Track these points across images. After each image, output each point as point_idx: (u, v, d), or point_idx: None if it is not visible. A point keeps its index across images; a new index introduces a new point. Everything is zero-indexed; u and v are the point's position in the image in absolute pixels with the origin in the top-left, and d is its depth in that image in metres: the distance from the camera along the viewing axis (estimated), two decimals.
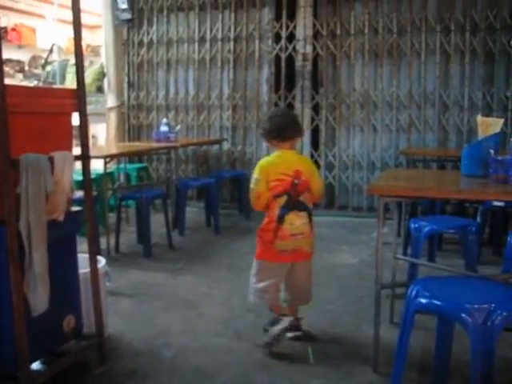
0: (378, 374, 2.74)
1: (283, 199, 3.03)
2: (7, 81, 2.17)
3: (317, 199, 3.29)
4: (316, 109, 6.85)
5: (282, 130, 3.16)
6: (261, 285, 3.10)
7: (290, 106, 6.82)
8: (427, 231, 3.48)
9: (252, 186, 3.08)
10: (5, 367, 2.35)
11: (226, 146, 7.25)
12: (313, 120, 6.84)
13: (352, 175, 6.77)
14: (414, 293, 2.29)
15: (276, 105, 6.89)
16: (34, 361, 2.48)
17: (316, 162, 6.83)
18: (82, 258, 2.84)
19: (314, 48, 6.73)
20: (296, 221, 3.05)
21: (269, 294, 3.11)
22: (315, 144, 6.92)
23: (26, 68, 7.97)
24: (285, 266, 3.11)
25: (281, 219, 3.03)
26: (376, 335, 2.75)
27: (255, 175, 3.08)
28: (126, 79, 7.61)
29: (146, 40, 7.46)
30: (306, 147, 6.84)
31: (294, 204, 3.05)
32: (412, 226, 3.61)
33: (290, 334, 3.12)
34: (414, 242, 3.59)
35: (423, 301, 2.21)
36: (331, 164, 6.84)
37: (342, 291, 3.99)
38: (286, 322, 3.06)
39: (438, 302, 2.17)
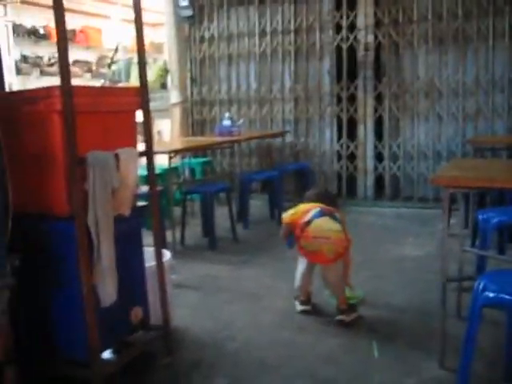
0: (444, 368, 2.68)
1: (316, 210, 3.31)
2: (76, 81, 2.28)
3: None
4: (379, 99, 6.73)
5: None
6: (296, 272, 3.50)
7: (353, 97, 6.73)
8: (495, 223, 3.36)
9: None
10: (77, 355, 2.45)
11: (289, 138, 7.24)
12: (376, 110, 6.73)
13: (417, 165, 6.62)
14: (481, 286, 2.23)
15: (338, 96, 6.82)
16: (104, 350, 2.57)
17: (380, 153, 6.74)
18: (148, 251, 2.92)
19: (376, 37, 6.61)
20: (323, 225, 3.25)
21: (297, 282, 3.50)
22: (379, 135, 6.81)
23: (94, 68, 8.23)
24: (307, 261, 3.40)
25: (308, 222, 3.27)
26: (442, 329, 2.69)
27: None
28: (188, 75, 7.72)
29: (207, 35, 7.53)
30: (370, 138, 6.75)
31: (326, 212, 3.30)
32: (480, 217, 3.50)
33: (301, 308, 3.49)
34: (481, 233, 3.48)
35: (490, 295, 2.14)
36: (395, 155, 6.71)
37: (408, 284, 3.92)
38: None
39: (507, 297, 2.10)
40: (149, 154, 2.79)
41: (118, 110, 2.60)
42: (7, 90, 3.02)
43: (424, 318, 3.31)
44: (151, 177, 2.83)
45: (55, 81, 2.26)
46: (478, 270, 3.34)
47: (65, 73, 2.22)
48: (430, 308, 3.36)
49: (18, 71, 7.29)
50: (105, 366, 2.48)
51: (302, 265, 3.49)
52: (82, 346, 2.38)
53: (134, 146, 2.69)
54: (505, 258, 3.52)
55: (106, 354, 2.64)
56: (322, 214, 3.29)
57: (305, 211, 3.35)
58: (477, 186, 3.03)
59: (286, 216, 3.45)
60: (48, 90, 2.32)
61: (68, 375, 2.48)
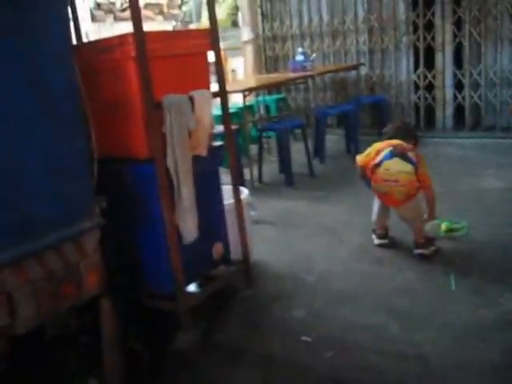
0: None
1: (388, 150, 3.27)
2: (149, 24, 2.33)
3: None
4: (458, 24, 6.39)
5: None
6: (373, 206, 3.56)
7: (430, 24, 6.44)
8: None
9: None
10: (164, 289, 2.62)
11: (364, 70, 7.07)
12: (455, 36, 6.41)
13: (500, 93, 6.29)
14: None
15: (414, 23, 6.54)
16: (189, 284, 2.73)
17: (460, 82, 6.46)
18: (227, 189, 3.01)
19: None
20: (393, 167, 3.21)
21: (374, 216, 3.54)
22: (459, 63, 6.51)
23: (165, 10, 8.28)
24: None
25: (378, 164, 3.28)
26: None
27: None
28: (259, 11, 7.62)
29: None
30: (449, 66, 6.47)
31: (398, 152, 3.24)
32: None
33: (378, 241, 3.54)
34: None
35: None
36: (476, 83, 6.40)
37: (487, 217, 3.84)
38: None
39: None
40: (222, 94, 2.84)
41: (189, 52, 2.65)
42: (84, 38, 3.12)
43: (504, 250, 3.26)
44: (226, 116, 2.89)
45: (129, 26, 2.32)
46: None
47: (137, 20, 2.28)
48: (510, 241, 3.31)
49: (93, 18, 7.46)
50: (189, 299, 2.64)
51: (378, 201, 3.51)
52: (168, 281, 2.54)
53: (208, 87, 2.75)
54: None
55: (191, 288, 2.81)
56: (392, 155, 3.25)
57: (378, 151, 3.33)
58: None
59: (360, 158, 3.47)
60: (122, 37, 2.40)
61: (157, 307, 2.67)
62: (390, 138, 3.42)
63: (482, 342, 2.38)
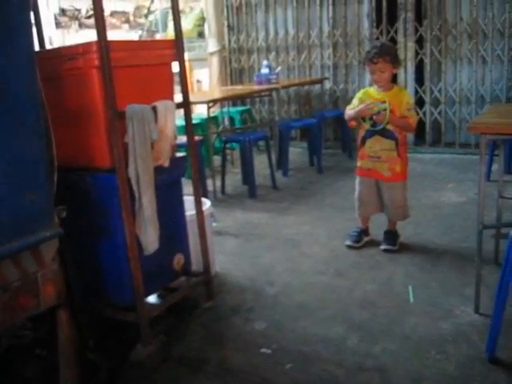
0: (479, 314, 2.72)
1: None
2: (114, 32, 2.31)
3: (404, 130, 3.59)
4: (420, 42, 6.56)
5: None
6: (356, 195, 3.72)
7: (393, 41, 6.57)
8: None
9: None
10: (124, 300, 2.58)
11: (328, 84, 7.18)
12: (417, 54, 6.57)
13: (459, 110, 6.47)
14: None
15: (377, 39, 6.66)
16: (149, 295, 2.71)
17: (421, 98, 6.60)
18: (189, 200, 3.01)
19: None
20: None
21: (358, 203, 3.72)
22: (420, 79, 6.66)
23: (131, 18, 8.23)
24: (368, 181, 3.63)
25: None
26: (478, 275, 2.72)
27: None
28: (225, 23, 7.66)
29: None
30: (410, 83, 6.62)
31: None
32: None
33: (365, 239, 3.76)
34: None
35: None
36: (437, 99, 6.57)
37: (446, 230, 3.93)
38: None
39: None
40: (186, 105, 2.84)
41: (154, 63, 2.64)
42: (47, 44, 3.09)
43: (461, 264, 3.33)
44: (189, 127, 2.88)
45: (94, 33, 2.30)
46: None
47: (101, 29, 2.27)
48: (467, 254, 3.39)
49: (57, 25, 7.36)
50: (149, 310, 2.61)
51: (359, 186, 3.70)
52: (129, 292, 2.51)
53: (171, 97, 2.74)
54: None
55: (151, 299, 2.79)
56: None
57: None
58: None
59: (346, 111, 3.60)
60: (86, 45, 2.38)
61: (116, 318, 2.63)
62: (380, 55, 3.42)
63: (439, 353, 2.42)
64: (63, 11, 7.43)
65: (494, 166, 4.79)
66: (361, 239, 3.72)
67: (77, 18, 7.53)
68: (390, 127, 3.47)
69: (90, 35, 2.70)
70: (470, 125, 2.63)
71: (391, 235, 3.68)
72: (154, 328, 2.60)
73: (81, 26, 7.54)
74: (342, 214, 4.38)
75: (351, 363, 2.40)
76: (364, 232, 3.77)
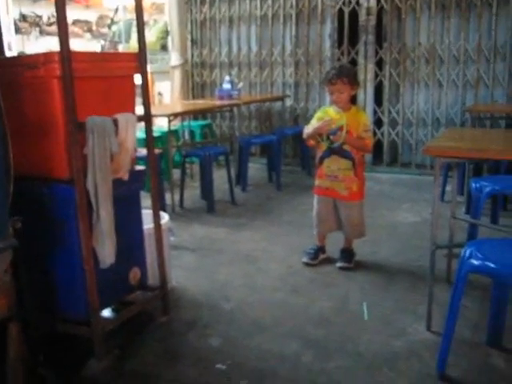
0: (431, 332, 2.78)
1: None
2: (76, 41, 2.29)
3: (360, 151, 3.65)
4: (380, 64, 6.71)
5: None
6: (314, 213, 3.76)
7: (353, 62, 6.71)
8: (488, 192, 3.41)
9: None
10: (78, 314, 2.54)
11: (289, 102, 7.25)
12: (376, 76, 6.72)
13: (416, 132, 6.63)
14: (467, 254, 2.30)
15: (339, 60, 6.80)
16: (104, 308, 2.67)
17: (379, 119, 6.75)
18: (147, 214, 2.99)
19: (378, 1, 6.54)
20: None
21: (316, 221, 3.77)
22: (378, 100, 6.81)
23: (94, 28, 8.15)
24: (326, 200, 3.70)
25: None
26: (430, 294, 2.78)
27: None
28: (189, 37, 7.68)
29: None
30: (369, 103, 6.75)
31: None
32: (473, 185, 3.55)
33: (322, 256, 3.81)
34: (474, 202, 3.54)
35: (476, 262, 2.21)
36: (395, 121, 6.72)
37: (401, 249, 4.01)
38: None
39: (491, 265, 2.17)
40: (147, 118, 2.83)
41: (116, 75, 2.63)
42: (6, 49, 3.03)
43: (414, 282, 3.41)
44: (150, 140, 2.87)
45: (55, 41, 2.28)
46: (469, 238, 3.41)
47: (64, 39, 2.25)
48: (420, 273, 3.47)
49: (17, 30, 7.23)
50: (104, 324, 2.57)
51: (317, 204, 3.74)
52: (83, 305, 2.47)
53: (133, 110, 2.73)
54: (495, 227, 3.59)
55: (106, 313, 2.74)
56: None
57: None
58: (467, 157, 3.07)
59: (305, 131, 3.65)
60: (47, 55, 2.35)
61: (69, 332, 2.58)
62: (338, 76, 3.51)
63: (391, 370, 2.46)
64: (24, 17, 7.31)
65: (448, 187, 4.94)
66: (317, 256, 3.76)
67: (38, 25, 7.41)
68: (347, 147, 3.53)
69: (52, 42, 2.67)
70: (426, 148, 2.70)
71: (347, 253, 3.73)
72: (109, 342, 2.56)
73: (42, 32, 7.42)
74: (299, 230, 4.41)
75: (305, 380, 2.42)
76: (321, 249, 3.80)
